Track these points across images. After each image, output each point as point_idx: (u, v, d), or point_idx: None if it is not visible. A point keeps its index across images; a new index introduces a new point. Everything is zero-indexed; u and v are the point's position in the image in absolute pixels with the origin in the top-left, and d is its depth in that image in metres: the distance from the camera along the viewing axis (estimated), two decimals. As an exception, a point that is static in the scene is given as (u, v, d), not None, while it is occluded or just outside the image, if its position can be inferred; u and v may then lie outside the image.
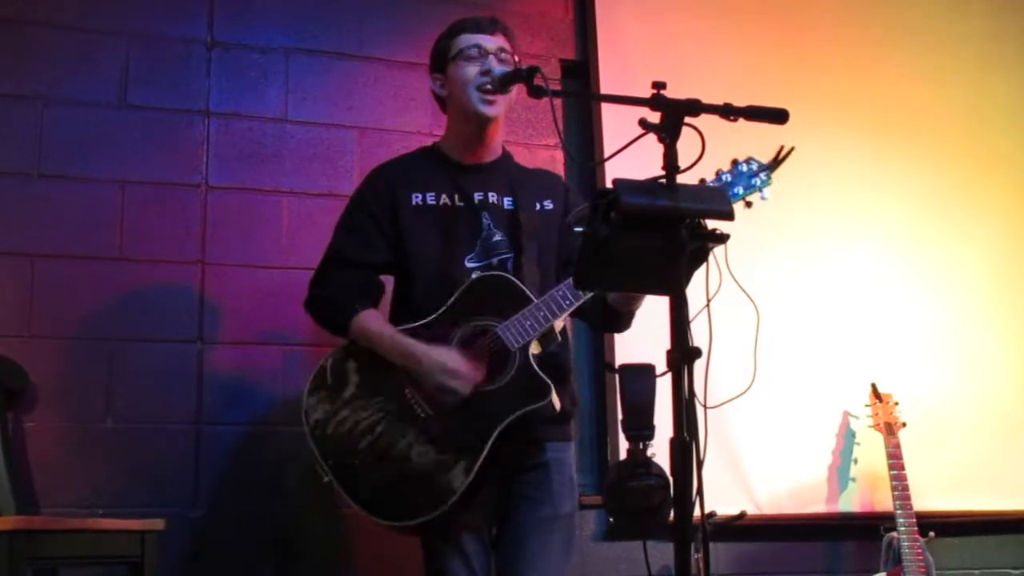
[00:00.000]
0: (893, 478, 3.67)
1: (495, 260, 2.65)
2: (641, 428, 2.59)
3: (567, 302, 2.50)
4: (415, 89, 3.77)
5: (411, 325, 2.60)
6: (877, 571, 3.69)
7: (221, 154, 3.55)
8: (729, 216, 1.80)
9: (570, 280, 2.49)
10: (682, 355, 1.76)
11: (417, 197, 2.70)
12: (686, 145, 1.84)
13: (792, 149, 2.26)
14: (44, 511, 3.14)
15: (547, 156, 3.85)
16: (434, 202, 2.69)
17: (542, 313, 2.50)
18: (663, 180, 1.79)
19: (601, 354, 3.82)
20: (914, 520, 3.62)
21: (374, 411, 2.56)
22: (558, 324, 2.57)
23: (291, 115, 3.66)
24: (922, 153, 4.28)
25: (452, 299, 2.57)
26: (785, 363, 3.80)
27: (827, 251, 4.08)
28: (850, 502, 3.90)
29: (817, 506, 3.88)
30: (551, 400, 2.48)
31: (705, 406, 1.86)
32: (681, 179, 1.80)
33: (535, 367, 2.50)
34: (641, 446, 2.59)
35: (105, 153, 3.43)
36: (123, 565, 2.89)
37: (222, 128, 3.57)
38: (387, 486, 2.50)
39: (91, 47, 3.48)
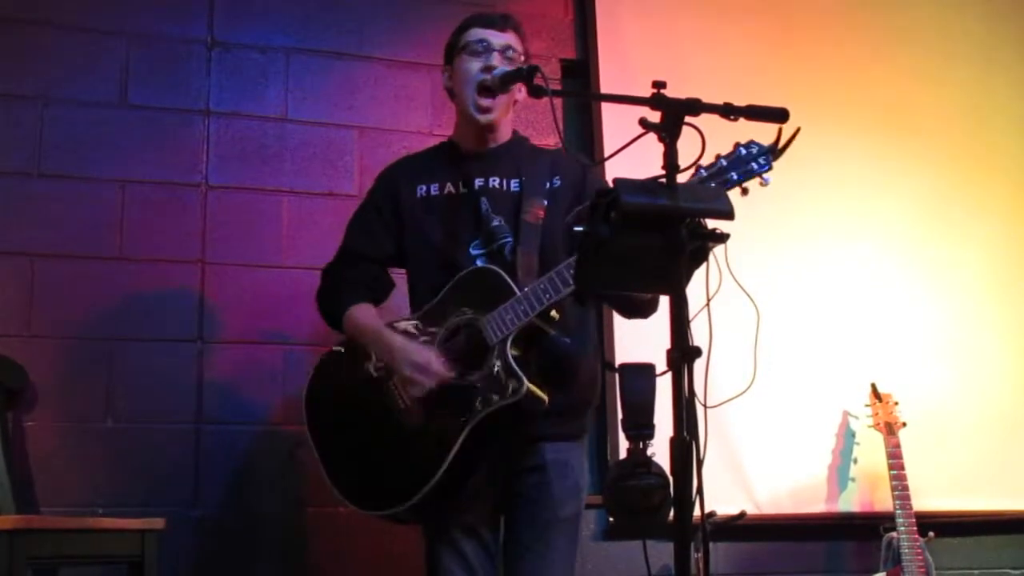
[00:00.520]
0: (893, 478, 3.67)
1: (495, 245, 2.63)
2: (641, 427, 2.58)
3: (547, 296, 2.44)
4: (415, 89, 3.77)
5: (403, 319, 2.63)
6: (877, 571, 3.69)
7: (221, 154, 3.55)
8: (729, 216, 1.79)
9: (552, 273, 2.43)
10: (682, 354, 1.76)
11: (423, 189, 2.72)
12: (686, 144, 1.84)
13: (797, 131, 2.15)
14: (44, 510, 3.14)
15: (547, 156, 3.85)
16: (438, 192, 2.71)
17: (522, 307, 2.46)
18: (663, 179, 1.79)
19: (601, 353, 3.80)
20: (914, 520, 3.62)
21: (361, 401, 2.60)
22: (556, 315, 2.53)
23: (291, 115, 3.66)
24: (922, 153, 4.28)
25: (442, 293, 2.59)
26: (785, 363, 3.80)
27: (827, 251, 4.08)
28: (850, 502, 3.90)
29: (817, 506, 3.88)
30: (528, 394, 2.43)
31: (705, 405, 1.86)
32: (681, 178, 1.80)
33: (510, 361, 2.46)
34: (641, 445, 2.59)
35: (105, 153, 3.43)
36: (123, 564, 2.89)
37: (222, 128, 3.57)
38: (366, 475, 2.56)
39: (91, 47, 3.48)
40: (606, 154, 3.60)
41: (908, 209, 4.22)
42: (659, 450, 2.43)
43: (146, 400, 3.32)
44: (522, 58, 2.69)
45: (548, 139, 3.83)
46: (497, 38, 2.66)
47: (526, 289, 2.48)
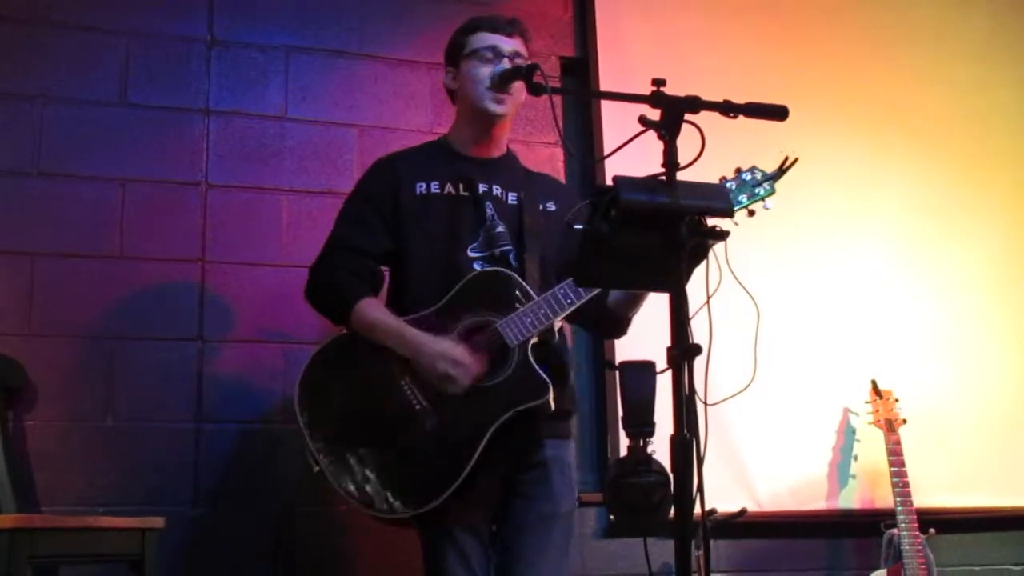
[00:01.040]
0: (893, 475, 3.67)
1: (497, 251, 2.63)
2: (641, 425, 2.59)
3: (568, 301, 2.49)
4: (415, 88, 3.77)
5: (413, 316, 2.58)
6: (877, 568, 3.70)
7: (221, 152, 3.55)
8: (729, 214, 1.80)
9: (571, 279, 2.48)
10: (682, 352, 1.76)
11: (421, 186, 2.69)
12: (686, 142, 1.84)
13: (795, 160, 2.25)
14: (44, 509, 3.14)
15: (547, 154, 3.85)
16: (438, 191, 2.69)
17: (543, 311, 2.49)
18: (663, 177, 1.79)
19: (601, 351, 3.81)
20: (914, 516, 3.62)
21: (368, 402, 2.55)
22: (556, 323, 2.57)
23: (291, 113, 3.66)
24: (922, 152, 4.28)
25: (453, 292, 2.57)
26: (785, 360, 3.80)
27: (827, 248, 4.08)
28: (850, 499, 3.90)
29: (817, 503, 3.88)
30: (548, 400, 2.48)
31: (705, 403, 1.86)
32: (681, 176, 1.80)
33: (534, 364, 2.49)
34: (641, 443, 2.60)
35: (105, 152, 3.43)
36: (123, 563, 2.89)
37: (222, 126, 3.57)
38: (379, 478, 2.49)
39: (91, 46, 3.48)
40: (606, 151, 3.62)
41: (908, 207, 4.22)
42: (659, 448, 2.44)
43: (146, 399, 3.32)
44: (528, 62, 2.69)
45: (548, 137, 3.85)
46: (506, 44, 2.66)
47: (546, 294, 2.50)
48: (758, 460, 3.81)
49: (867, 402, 3.84)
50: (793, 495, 3.86)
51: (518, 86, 2.64)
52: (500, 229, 2.65)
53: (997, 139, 4.42)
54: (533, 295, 2.53)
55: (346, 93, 3.73)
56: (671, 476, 1.77)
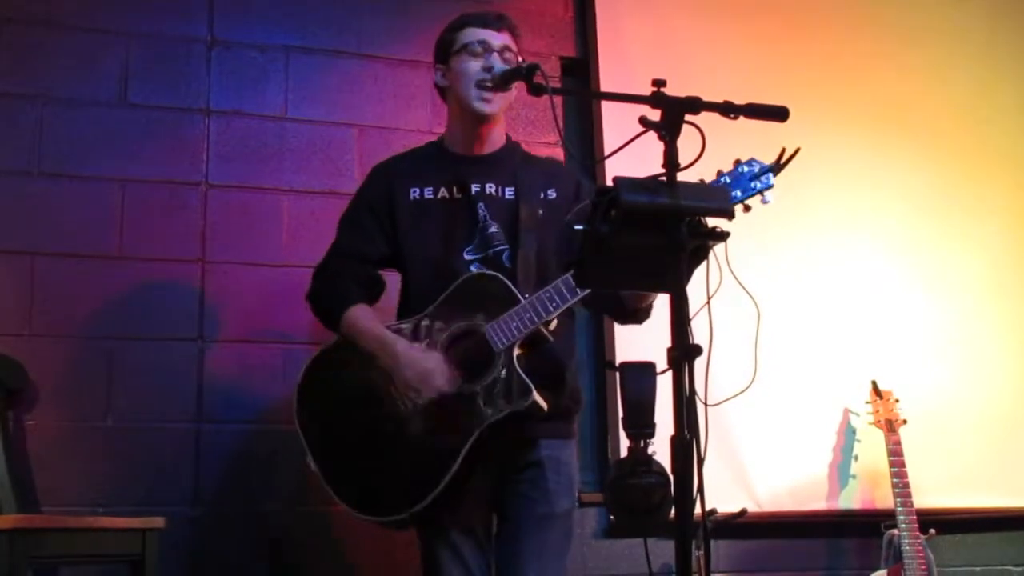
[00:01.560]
0: (894, 475, 3.67)
1: (491, 252, 2.63)
2: (642, 426, 2.59)
3: (554, 304, 2.47)
4: (415, 87, 3.77)
5: (401, 323, 2.62)
6: (878, 568, 3.70)
7: (221, 152, 3.55)
8: (729, 214, 1.80)
9: (559, 282, 2.47)
10: (683, 353, 1.76)
11: (415, 192, 2.70)
12: (686, 143, 1.84)
13: (797, 151, 2.22)
14: (45, 510, 3.14)
15: (547, 154, 3.83)
16: (432, 196, 2.69)
17: (528, 315, 2.48)
18: (663, 178, 1.79)
19: (602, 352, 3.82)
20: (915, 517, 3.62)
21: (360, 407, 2.57)
22: (552, 323, 2.56)
23: (291, 113, 3.66)
24: (923, 151, 4.28)
25: (443, 297, 2.58)
26: (786, 361, 3.80)
27: (827, 249, 4.08)
28: (851, 499, 3.90)
29: (818, 503, 3.88)
30: (534, 401, 2.47)
31: (706, 404, 1.86)
32: (682, 177, 1.80)
33: (518, 369, 2.48)
34: (642, 444, 2.59)
35: (105, 152, 3.43)
36: (124, 563, 2.90)
37: (222, 126, 3.57)
38: (368, 482, 2.53)
39: (91, 46, 3.48)
40: (606, 152, 3.62)
41: (909, 207, 4.22)
42: (660, 448, 2.43)
43: (146, 399, 3.32)
44: (518, 57, 2.69)
45: (548, 137, 3.85)
46: (495, 39, 2.66)
47: (532, 297, 2.50)
48: (758, 460, 3.81)
49: (867, 402, 3.84)
50: (793, 495, 3.86)
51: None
52: (493, 229, 2.65)
53: (998, 139, 4.42)
54: (520, 298, 2.52)
55: (346, 93, 3.73)
56: (671, 477, 1.77)
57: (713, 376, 1.94)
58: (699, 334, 1.82)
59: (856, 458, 3.91)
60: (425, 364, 2.50)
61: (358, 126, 3.72)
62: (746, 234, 2.16)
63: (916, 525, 3.62)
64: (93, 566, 3.10)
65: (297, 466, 3.25)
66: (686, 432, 1.73)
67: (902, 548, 3.61)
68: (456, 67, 2.67)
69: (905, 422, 3.77)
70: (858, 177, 4.16)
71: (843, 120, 4.17)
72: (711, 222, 1.79)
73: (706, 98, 1.87)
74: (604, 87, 3.96)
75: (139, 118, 3.49)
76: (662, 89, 1.87)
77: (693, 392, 1.76)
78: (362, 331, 2.61)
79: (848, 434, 3.94)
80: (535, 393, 2.47)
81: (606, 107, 3.93)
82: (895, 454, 3.71)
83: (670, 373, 1.77)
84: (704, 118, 1.86)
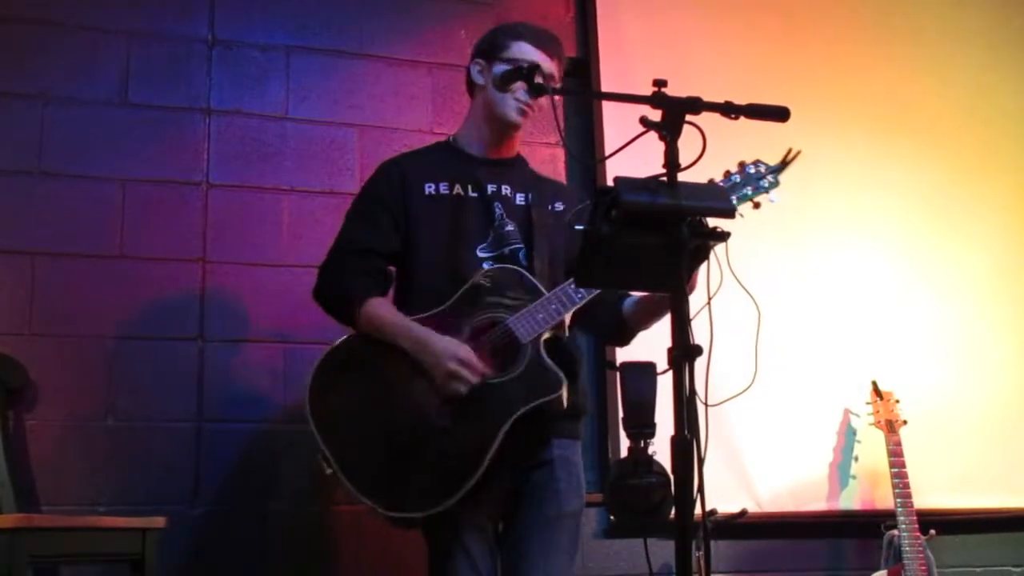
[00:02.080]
0: (894, 476, 3.67)
1: (506, 250, 2.63)
2: (642, 426, 2.59)
3: (579, 295, 2.49)
4: (416, 87, 3.77)
5: (422, 315, 2.57)
6: (878, 569, 3.69)
7: (222, 152, 3.55)
8: (730, 214, 1.80)
9: None
10: (683, 353, 1.76)
11: (430, 187, 2.69)
12: (687, 143, 1.84)
13: (799, 153, 2.26)
14: (45, 509, 3.14)
15: (548, 154, 3.85)
16: (447, 191, 2.69)
17: (553, 306, 2.49)
18: (664, 178, 1.79)
19: (602, 352, 3.81)
20: (915, 518, 3.62)
21: (381, 402, 2.53)
22: (567, 318, 2.56)
23: (292, 113, 3.66)
24: (924, 151, 4.28)
25: (462, 290, 2.56)
26: (786, 361, 3.81)
27: (828, 249, 4.08)
28: (851, 500, 3.90)
29: (818, 504, 3.88)
30: (562, 394, 2.47)
31: (706, 404, 1.86)
32: (683, 177, 1.80)
33: (547, 360, 2.49)
34: (642, 444, 2.59)
35: (106, 151, 3.43)
36: (124, 563, 2.89)
37: (223, 126, 3.57)
38: (394, 478, 2.47)
39: (92, 45, 3.48)
40: (607, 152, 3.62)
41: (909, 207, 4.22)
42: (660, 448, 2.44)
43: (147, 398, 3.32)
44: (559, 84, 2.72)
45: (549, 137, 3.85)
46: (547, 64, 2.67)
47: (556, 290, 2.51)
48: (759, 461, 3.81)
49: (868, 403, 3.84)
50: (793, 496, 3.86)
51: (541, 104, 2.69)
52: (509, 228, 2.66)
53: (999, 139, 4.42)
54: (543, 291, 2.53)
55: (347, 93, 3.73)
56: (671, 477, 1.77)
57: (713, 376, 1.94)
58: (699, 334, 1.82)
59: (856, 458, 3.92)
60: (463, 352, 2.47)
61: (359, 126, 3.72)
62: (746, 234, 2.16)
63: (916, 526, 3.62)
64: (93, 566, 3.10)
65: (298, 465, 3.27)
66: (686, 432, 1.74)
67: (902, 549, 3.61)
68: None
69: (905, 423, 3.77)
70: (858, 177, 4.16)
71: (844, 120, 4.17)
72: (712, 222, 1.79)
73: (707, 98, 1.87)
74: (605, 87, 3.96)
75: (140, 118, 3.49)
76: (663, 89, 1.87)
77: (693, 392, 1.76)
78: (388, 323, 2.57)
79: (848, 434, 3.94)
80: (565, 384, 2.46)
81: (607, 107, 3.93)
82: (895, 454, 3.71)
83: (670, 373, 1.77)
84: (705, 118, 1.86)
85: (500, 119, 2.69)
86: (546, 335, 2.52)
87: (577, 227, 2.65)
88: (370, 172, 2.84)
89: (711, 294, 1.95)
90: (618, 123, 3.82)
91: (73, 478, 3.21)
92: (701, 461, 1.75)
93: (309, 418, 2.54)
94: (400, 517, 2.50)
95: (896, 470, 3.68)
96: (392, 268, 2.73)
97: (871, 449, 3.85)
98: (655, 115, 1.86)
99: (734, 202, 2.25)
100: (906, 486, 3.65)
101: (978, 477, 4.01)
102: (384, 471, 2.48)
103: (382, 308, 2.61)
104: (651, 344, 2.26)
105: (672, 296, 1.79)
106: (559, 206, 2.75)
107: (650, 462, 2.56)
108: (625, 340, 2.78)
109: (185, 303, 3.41)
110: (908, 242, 4.19)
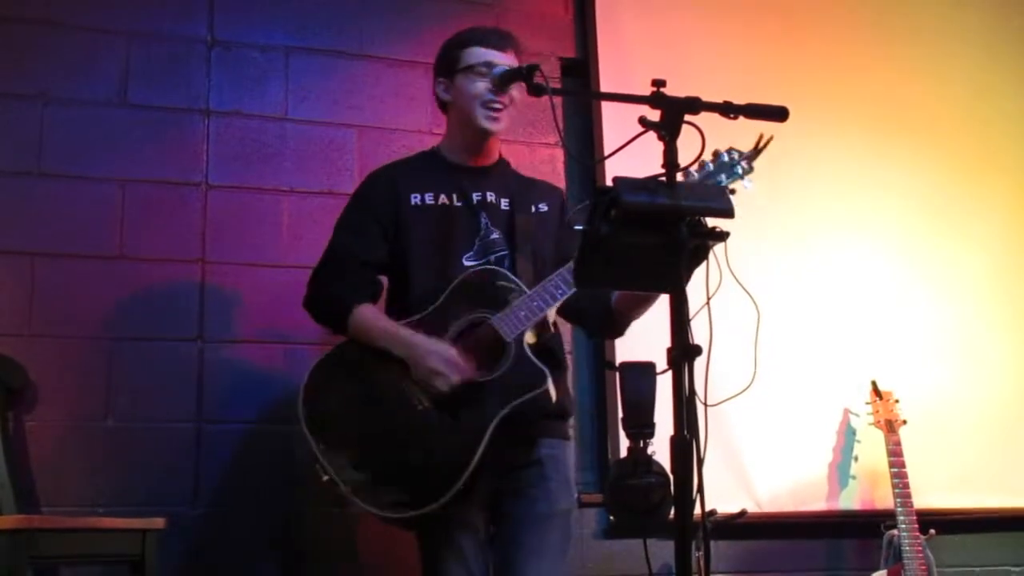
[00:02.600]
0: (894, 475, 3.67)
1: (492, 258, 2.67)
2: (641, 426, 2.59)
3: (560, 291, 2.51)
4: (415, 88, 3.77)
5: (409, 320, 2.61)
6: (877, 569, 3.70)
7: (221, 153, 3.55)
8: (729, 214, 1.80)
9: (562, 270, 2.51)
10: (682, 353, 1.76)
11: (416, 197, 2.72)
12: (686, 143, 1.84)
13: (771, 138, 2.28)
14: (45, 510, 3.14)
15: (547, 154, 3.85)
16: (433, 202, 2.71)
17: (535, 303, 2.52)
18: (663, 178, 1.79)
19: (601, 352, 3.81)
20: (915, 517, 3.62)
21: (372, 406, 2.56)
22: (551, 315, 2.58)
23: (291, 114, 3.66)
24: (923, 151, 4.28)
25: (446, 293, 2.59)
26: (785, 361, 3.80)
27: (827, 249, 4.08)
28: (851, 500, 3.90)
29: (818, 504, 3.88)
30: (547, 389, 2.49)
31: (705, 404, 1.86)
32: (681, 177, 1.80)
33: (531, 356, 2.51)
34: (641, 444, 2.59)
35: (105, 152, 3.43)
36: (124, 564, 2.89)
37: (222, 127, 3.57)
38: (386, 479, 2.51)
39: (91, 46, 3.48)
40: (606, 152, 3.62)
41: (908, 207, 4.22)
42: (659, 449, 2.44)
43: (146, 399, 3.32)
44: None
45: (548, 138, 3.85)
46: (500, 58, 2.69)
47: (537, 287, 2.53)
48: (758, 461, 3.81)
49: (867, 403, 3.84)
50: (793, 496, 3.86)
51: (515, 97, 2.69)
52: (495, 236, 2.69)
53: (998, 140, 4.42)
54: (524, 289, 2.56)
55: (346, 93, 3.73)
56: (671, 477, 1.77)
57: (713, 376, 1.94)
58: (699, 334, 1.82)
59: (856, 458, 3.91)
60: (446, 351, 2.51)
61: (358, 127, 3.72)
62: (746, 234, 2.16)
63: (916, 525, 3.62)
64: (93, 566, 3.10)
65: (297, 466, 3.27)
66: (686, 432, 1.74)
67: (902, 548, 3.61)
68: (462, 85, 2.70)
69: (905, 422, 3.77)
70: (858, 177, 4.16)
71: (842, 120, 4.17)
72: (711, 222, 1.79)
73: (706, 98, 1.87)
74: (604, 87, 3.96)
75: (139, 118, 3.48)
76: (662, 89, 1.87)
77: (693, 392, 1.76)
78: (374, 327, 2.61)
79: (848, 434, 3.94)
80: (550, 379, 2.48)
81: (606, 107, 3.93)
82: (895, 454, 3.71)
83: (670, 373, 1.77)
84: (704, 118, 1.86)
85: (475, 129, 2.71)
86: (529, 337, 2.53)
87: (577, 227, 2.66)
88: (369, 173, 2.86)
89: (710, 294, 1.95)
90: (617, 123, 3.82)
91: (73, 479, 3.21)
92: (700, 461, 1.75)
93: (302, 424, 2.57)
94: (393, 518, 2.53)
95: (896, 470, 3.68)
96: (383, 277, 2.76)
97: (871, 449, 3.85)
98: (654, 115, 1.86)
99: None
100: (906, 486, 3.65)
101: (977, 477, 4.01)
102: (375, 473, 2.52)
103: (370, 314, 2.65)
104: (650, 344, 2.26)
105: (671, 296, 1.79)
106: (543, 207, 2.79)
107: (649, 462, 2.56)
108: (618, 331, 2.79)
109: (185, 303, 3.41)
110: (907, 242, 4.19)
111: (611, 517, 3.63)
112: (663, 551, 3.06)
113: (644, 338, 2.69)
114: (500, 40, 2.73)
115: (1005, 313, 4.25)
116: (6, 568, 2.53)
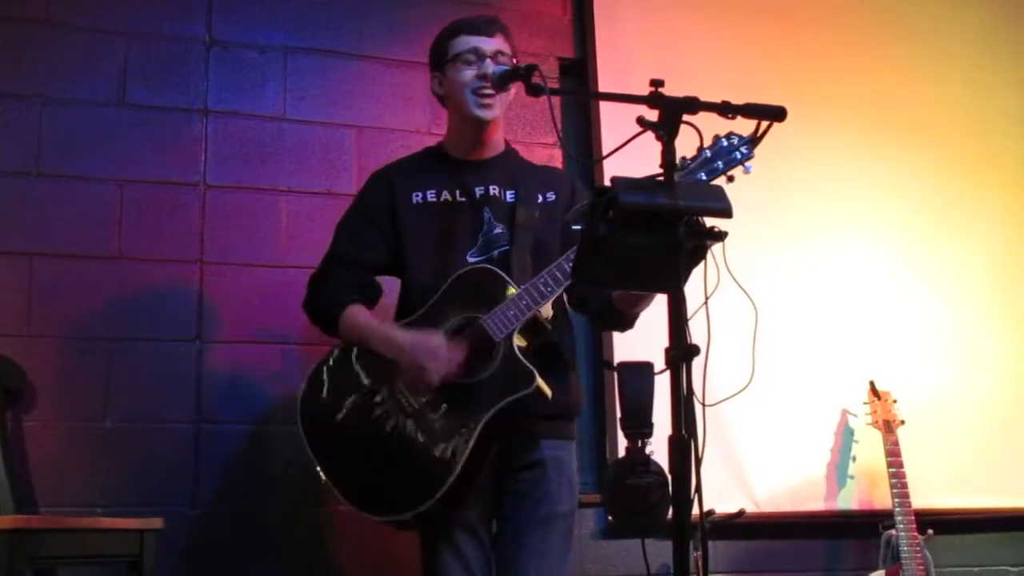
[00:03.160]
0: (892, 476, 3.68)
1: (495, 253, 2.65)
2: (640, 426, 2.60)
3: (549, 289, 2.49)
4: (414, 88, 3.77)
5: (403, 321, 2.62)
6: (875, 569, 3.70)
7: (220, 153, 3.55)
8: (727, 214, 1.80)
9: (552, 267, 2.49)
10: (681, 353, 1.76)
11: (418, 196, 2.71)
12: (684, 143, 1.84)
13: (771, 124, 2.25)
14: (43, 510, 3.14)
15: (546, 154, 3.85)
16: (435, 199, 2.71)
17: (524, 302, 2.49)
18: (661, 178, 1.79)
19: (600, 352, 3.82)
20: (912, 517, 3.62)
21: (365, 408, 2.56)
22: (546, 312, 2.57)
23: (289, 114, 3.66)
24: (922, 151, 4.28)
25: (439, 293, 2.59)
26: (783, 361, 3.80)
27: (826, 249, 4.08)
28: (849, 500, 3.90)
29: (816, 504, 3.88)
30: (538, 387, 2.47)
31: (704, 404, 1.86)
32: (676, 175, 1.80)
33: (519, 355, 2.49)
34: (640, 444, 2.60)
35: (104, 152, 3.43)
36: (122, 564, 2.90)
37: (221, 127, 3.57)
38: (377, 481, 2.52)
39: (90, 46, 3.48)
40: (604, 152, 3.62)
41: (907, 207, 4.22)
42: (658, 449, 2.45)
43: (145, 399, 3.32)
44: (513, 59, 2.71)
45: (546, 138, 3.85)
46: (487, 44, 2.68)
47: (526, 285, 2.51)
48: (756, 461, 3.81)
49: (865, 403, 3.84)
50: (791, 496, 3.86)
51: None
52: (498, 231, 2.67)
53: (997, 139, 4.42)
54: (514, 287, 2.54)
55: (344, 94, 3.73)
56: (669, 477, 1.77)
57: (711, 376, 1.94)
58: (697, 334, 1.82)
59: (854, 459, 3.92)
60: (430, 342, 2.50)
61: (357, 127, 3.72)
62: (744, 234, 2.16)
63: (914, 525, 3.62)
64: (91, 567, 3.09)
65: (296, 466, 3.27)
66: (684, 432, 1.74)
67: (900, 548, 3.61)
68: (452, 76, 2.70)
69: (903, 422, 3.77)
70: (857, 177, 4.16)
71: (843, 120, 4.17)
72: (709, 222, 1.79)
73: (704, 98, 1.87)
74: (602, 87, 3.96)
75: (137, 118, 3.49)
76: (660, 89, 1.87)
77: (691, 392, 1.76)
78: (362, 327, 2.61)
79: (846, 434, 3.94)
80: (539, 378, 2.47)
81: (604, 107, 3.93)
82: (893, 454, 3.71)
83: (668, 373, 1.77)
84: (702, 118, 1.86)
85: (471, 119, 2.70)
86: (519, 339, 2.52)
87: (575, 227, 2.65)
88: (368, 173, 2.87)
89: (708, 294, 1.95)
90: (615, 123, 3.82)
91: (71, 479, 3.21)
92: (699, 461, 1.75)
93: (299, 427, 2.60)
94: (386, 520, 2.55)
95: (894, 470, 3.68)
96: (379, 280, 2.77)
97: (869, 449, 3.86)
98: (652, 115, 1.86)
99: (703, 177, 2.23)
100: (904, 486, 3.66)
101: (976, 477, 4.01)
102: (369, 475, 2.53)
103: (359, 314, 2.65)
104: (649, 344, 2.26)
105: (669, 296, 1.79)
106: (550, 196, 2.75)
107: (648, 462, 2.57)
108: (622, 325, 2.75)
109: (183, 304, 3.41)
110: (906, 242, 4.19)
111: (609, 517, 3.63)
112: (661, 551, 3.09)
113: (642, 338, 2.70)
114: (486, 25, 2.71)
115: (1004, 313, 4.25)
116: (4, 568, 2.53)
